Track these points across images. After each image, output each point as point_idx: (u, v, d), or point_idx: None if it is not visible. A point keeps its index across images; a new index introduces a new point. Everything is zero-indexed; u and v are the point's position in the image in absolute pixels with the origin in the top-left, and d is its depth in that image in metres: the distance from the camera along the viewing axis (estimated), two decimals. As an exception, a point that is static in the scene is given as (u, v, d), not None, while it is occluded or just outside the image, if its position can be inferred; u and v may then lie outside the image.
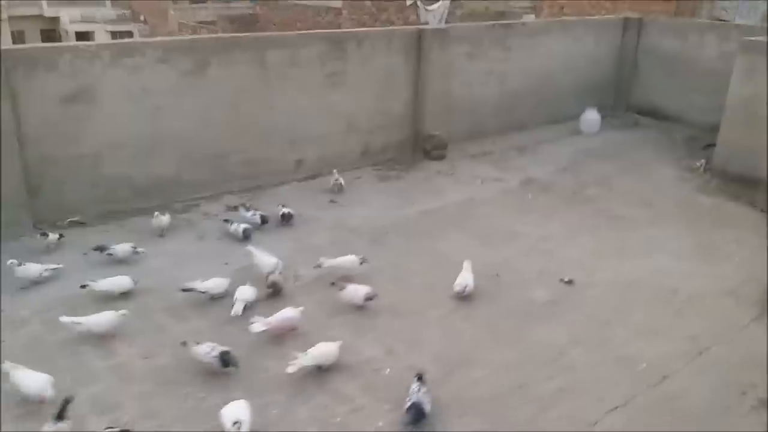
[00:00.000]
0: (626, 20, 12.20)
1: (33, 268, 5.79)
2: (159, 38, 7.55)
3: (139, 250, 6.26)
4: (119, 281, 5.60)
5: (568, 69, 11.56)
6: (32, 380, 4.19)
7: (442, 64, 9.46)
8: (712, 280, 6.10)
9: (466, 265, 5.73)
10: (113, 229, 6.93)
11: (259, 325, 4.92)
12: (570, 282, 5.98)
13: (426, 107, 9.53)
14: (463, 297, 5.60)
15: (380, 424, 4.17)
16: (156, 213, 6.86)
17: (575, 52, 11.62)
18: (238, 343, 4.84)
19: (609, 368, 4.79)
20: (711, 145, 10.48)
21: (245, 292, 5.50)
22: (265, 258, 5.98)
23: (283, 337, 5.01)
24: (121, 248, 6.19)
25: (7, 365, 4.27)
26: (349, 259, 5.94)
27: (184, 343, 4.63)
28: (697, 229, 7.28)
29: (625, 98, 12.42)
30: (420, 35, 9.29)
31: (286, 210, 7.20)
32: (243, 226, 6.76)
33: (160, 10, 39.02)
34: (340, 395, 4.46)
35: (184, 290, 5.52)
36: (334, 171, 8.31)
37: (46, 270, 5.82)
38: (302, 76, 8.33)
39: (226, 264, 6.27)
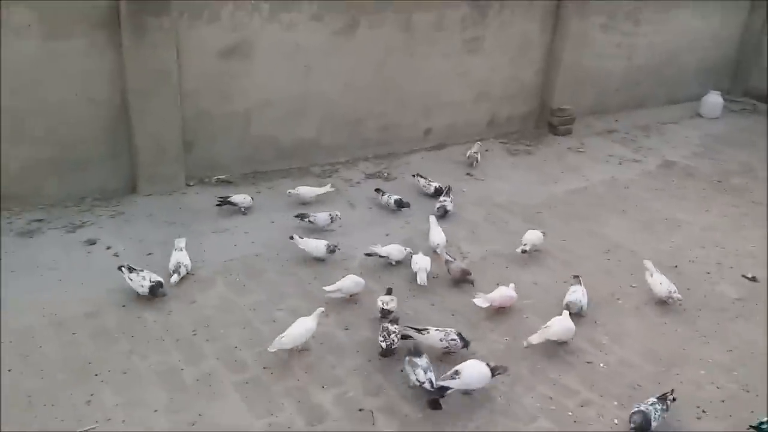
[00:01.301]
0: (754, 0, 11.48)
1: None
2: None
3: (335, 215, 6.11)
4: (318, 246, 5.49)
5: (692, 48, 10.96)
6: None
7: (577, 35, 9.00)
8: None
9: (650, 266, 5.34)
10: (264, 192, 6.76)
11: (482, 301, 4.87)
12: (754, 279, 5.68)
13: (557, 79, 9.12)
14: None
15: (615, 422, 3.97)
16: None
17: (701, 30, 10.99)
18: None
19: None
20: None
21: (424, 262, 5.32)
22: (436, 233, 5.77)
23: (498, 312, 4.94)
24: (322, 217, 6.04)
25: None
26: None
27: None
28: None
29: (744, 82, 11.79)
30: (559, 2, 8.82)
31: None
32: (395, 197, 6.50)
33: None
34: (562, 387, 4.26)
35: (367, 254, 5.49)
36: (476, 143, 8.00)
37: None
38: (444, 40, 7.98)
39: (387, 235, 6.08)
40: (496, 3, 8.29)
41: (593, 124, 9.67)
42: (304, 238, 5.53)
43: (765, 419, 3.82)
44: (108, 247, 5.52)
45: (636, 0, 9.75)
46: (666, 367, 4.53)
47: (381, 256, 5.51)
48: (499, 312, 4.97)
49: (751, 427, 3.84)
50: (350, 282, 4.96)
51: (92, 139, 6.12)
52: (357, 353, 4.45)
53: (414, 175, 7.19)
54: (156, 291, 4.74)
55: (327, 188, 6.66)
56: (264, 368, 4.24)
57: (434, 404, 3.88)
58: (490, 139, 8.90)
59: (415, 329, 4.37)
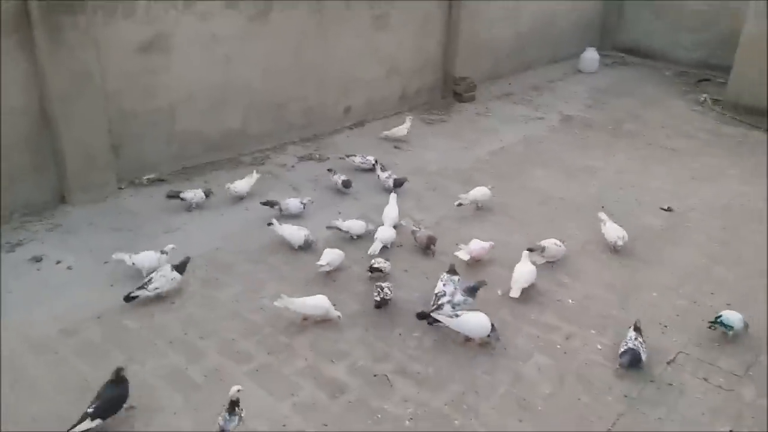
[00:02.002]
0: (614, -39, 12.61)
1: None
2: None
3: (305, 201, 6.11)
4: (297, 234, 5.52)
5: (567, 10, 11.89)
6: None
7: (471, 6, 9.47)
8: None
9: (604, 216, 5.79)
10: (199, 185, 6.60)
11: (463, 253, 5.31)
12: (669, 209, 6.42)
13: (457, 49, 9.57)
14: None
15: (599, 347, 4.44)
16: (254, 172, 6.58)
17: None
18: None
19: (755, 282, 5.30)
20: (704, 80, 11.36)
21: (386, 234, 5.55)
22: (393, 207, 5.96)
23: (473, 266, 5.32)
24: (293, 203, 6.04)
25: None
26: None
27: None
28: (740, 156, 7.94)
29: (611, 38, 12.95)
30: (452, -25, 9.23)
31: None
32: (343, 177, 6.62)
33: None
34: (543, 325, 4.67)
35: (329, 227, 5.68)
36: (408, 119, 8.18)
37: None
38: (354, 19, 8.13)
39: (340, 213, 6.20)
40: (398, -21, 8.52)
41: (491, 89, 10.26)
42: (283, 224, 5.52)
43: (720, 313, 4.43)
44: (58, 262, 5.20)
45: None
46: (624, 295, 5.07)
47: (342, 231, 5.64)
48: (473, 266, 5.29)
49: (710, 322, 4.45)
50: (335, 255, 5.12)
51: (12, 151, 5.66)
52: (354, 326, 4.58)
53: (343, 157, 7.26)
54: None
55: (255, 176, 6.51)
56: (269, 354, 4.27)
57: (422, 316, 4.35)
58: (404, 111, 9.20)
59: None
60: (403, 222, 5.81)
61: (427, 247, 5.49)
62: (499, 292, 4.95)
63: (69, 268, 5.13)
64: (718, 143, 8.38)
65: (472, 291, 4.55)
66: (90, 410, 3.47)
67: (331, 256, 5.09)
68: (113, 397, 3.59)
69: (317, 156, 7.58)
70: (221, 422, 3.40)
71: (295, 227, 5.53)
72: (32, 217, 5.81)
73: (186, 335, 4.43)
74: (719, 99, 10.19)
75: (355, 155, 7.20)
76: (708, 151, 8.10)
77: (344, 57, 8.15)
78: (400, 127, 8.02)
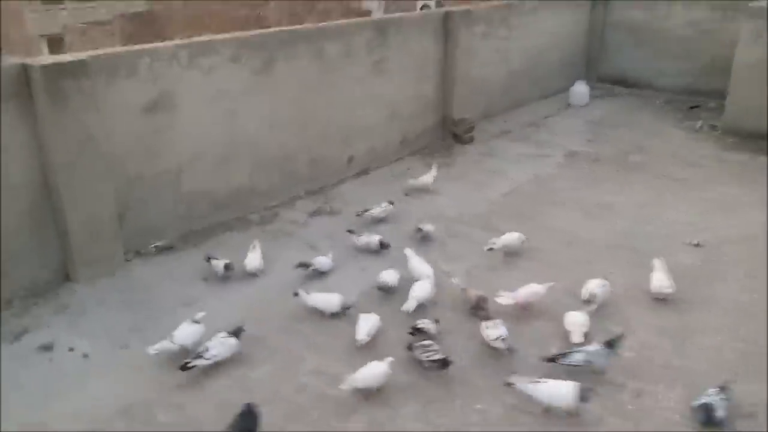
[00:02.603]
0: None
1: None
2: (231, 35, 6.81)
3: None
4: (331, 300, 5.16)
5: (553, 45, 11.97)
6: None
7: (465, 46, 9.40)
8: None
9: (659, 265, 5.49)
10: (209, 250, 6.23)
11: (506, 299, 4.96)
12: (699, 245, 6.22)
13: (454, 90, 9.45)
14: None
15: (672, 404, 4.15)
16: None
17: (559, 29, 12.05)
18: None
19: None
20: (695, 107, 11.43)
21: (423, 290, 5.23)
22: (418, 263, 5.64)
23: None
24: (324, 261, 5.80)
25: None
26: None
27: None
28: (751, 182, 7.84)
29: (595, 69, 13.05)
30: (446, 17, 9.16)
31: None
32: (378, 237, 6.18)
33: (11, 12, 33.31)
34: (607, 382, 4.38)
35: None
36: (433, 166, 8.00)
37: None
38: (354, 66, 7.95)
39: (363, 270, 5.87)
40: (393, 25, 8.40)
41: (487, 128, 10.12)
42: (312, 293, 5.16)
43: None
44: (71, 349, 4.75)
45: (504, 8, 10.43)
46: (680, 341, 4.81)
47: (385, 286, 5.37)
48: (518, 315, 5.01)
49: None
50: (372, 322, 4.79)
51: (11, 231, 5.23)
52: (407, 399, 4.23)
53: (360, 213, 6.89)
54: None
55: (258, 247, 6.03)
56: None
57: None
58: (405, 157, 9.00)
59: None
60: (454, 280, 5.42)
61: (477, 308, 5.12)
62: (554, 350, 4.64)
63: (85, 355, 4.67)
64: (726, 171, 8.31)
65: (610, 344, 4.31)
66: None
67: (368, 325, 4.72)
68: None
69: (328, 209, 7.27)
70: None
71: (327, 294, 5.17)
72: (36, 299, 5.34)
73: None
74: (715, 125, 10.22)
75: (371, 208, 6.88)
76: (718, 179, 8.01)
77: (346, 105, 7.94)
78: (426, 175, 7.79)
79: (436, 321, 4.81)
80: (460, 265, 5.92)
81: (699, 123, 10.47)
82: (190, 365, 4.29)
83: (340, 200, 7.53)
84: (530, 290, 5.09)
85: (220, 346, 4.38)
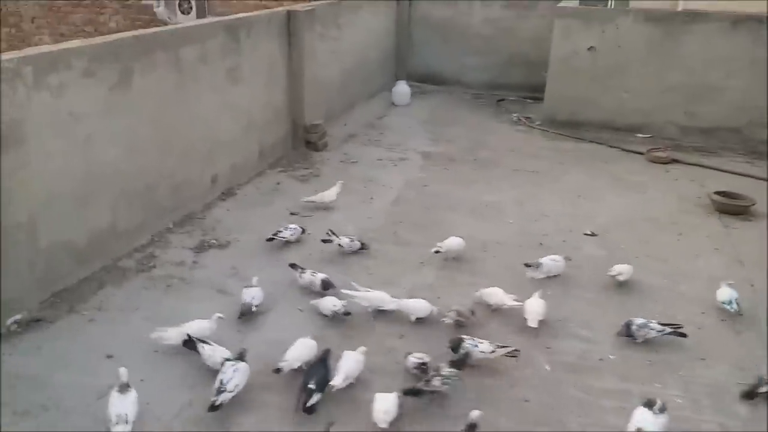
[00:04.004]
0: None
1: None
2: (82, 43, 5.35)
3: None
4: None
5: (373, 44, 12.01)
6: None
7: (310, 48, 8.90)
8: (665, 200, 7.62)
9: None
10: (98, 315, 4.97)
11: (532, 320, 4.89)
12: (594, 234, 6.67)
13: (304, 95, 8.91)
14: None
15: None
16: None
17: (376, 26, 12.10)
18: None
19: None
20: (501, 100, 12.40)
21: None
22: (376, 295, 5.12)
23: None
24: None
25: None
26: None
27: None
28: (591, 168, 8.69)
29: (404, 67, 13.39)
30: (290, 17, 8.54)
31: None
32: (321, 275, 5.35)
33: None
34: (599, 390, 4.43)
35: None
36: (338, 183, 7.28)
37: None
38: (210, 74, 6.99)
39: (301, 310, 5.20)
40: (244, 26, 7.56)
41: (332, 133, 9.72)
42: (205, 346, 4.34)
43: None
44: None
45: (335, 6, 10.11)
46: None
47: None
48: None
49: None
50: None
51: None
52: None
53: (328, 238, 6.11)
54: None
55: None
56: None
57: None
58: (265, 171, 8.25)
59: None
60: (446, 318, 4.93)
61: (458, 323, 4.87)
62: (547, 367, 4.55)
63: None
64: (565, 160, 9.06)
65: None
66: (312, 386, 3.91)
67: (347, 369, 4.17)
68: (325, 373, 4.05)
69: (214, 242, 6.28)
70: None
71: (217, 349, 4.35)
72: None
73: None
74: (529, 116, 11.16)
75: (338, 237, 6.06)
76: (562, 168, 8.68)
77: (205, 118, 6.95)
78: (329, 192, 7.13)
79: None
80: (399, 288, 5.48)
81: (515, 116, 11.31)
82: (218, 404, 3.85)
83: (220, 229, 6.58)
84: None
85: (237, 372, 3.99)
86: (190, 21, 14.70)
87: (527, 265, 5.59)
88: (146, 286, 5.43)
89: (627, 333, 4.75)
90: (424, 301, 5.04)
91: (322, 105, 9.54)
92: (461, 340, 4.44)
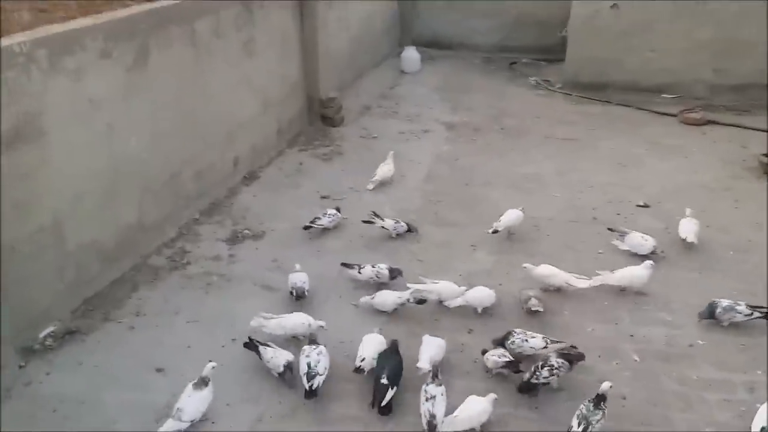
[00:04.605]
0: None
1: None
2: (95, 19, 4.78)
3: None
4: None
5: (377, 11, 11.40)
6: None
7: (322, 18, 8.33)
8: (710, 165, 7.26)
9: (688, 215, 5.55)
10: (138, 322, 4.55)
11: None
12: (646, 205, 6.29)
13: (318, 68, 8.37)
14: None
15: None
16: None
17: (382, -9, 11.48)
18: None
19: None
20: (514, 63, 11.88)
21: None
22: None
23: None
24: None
25: None
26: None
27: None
28: (628, 133, 8.26)
29: (410, 34, 12.77)
30: (298, -17, 7.95)
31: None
32: (384, 266, 4.94)
33: None
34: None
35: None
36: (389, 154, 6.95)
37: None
38: (226, 48, 6.45)
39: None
40: (257, -5, 6.98)
41: (346, 105, 9.20)
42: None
43: None
44: None
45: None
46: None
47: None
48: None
49: None
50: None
51: None
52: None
53: (370, 219, 5.69)
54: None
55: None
56: None
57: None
58: (285, 150, 7.78)
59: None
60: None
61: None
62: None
63: None
64: (597, 124, 8.64)
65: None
66: (384, 380, 3.67)
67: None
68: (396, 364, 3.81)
69: (248, 232, 5.84)
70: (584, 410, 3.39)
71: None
72: None
73: None
74: (548, 80, 10.70)
75: (382, 219, 5.66)
76: (595, 134, 8.28)
77: (223, 96, 6.45)
78: (386, 166, 6.79)
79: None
80: (451, 274, 5.09)
81: (532, 80, 10.83)
82: (314, 388, 3.73)
83: (250, 217, 6.15)
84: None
85: (322, 356, 3.87)
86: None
87: (611, 230, 5.48)
88: (184, 286, 5.00)
89: (710, 315, 4.42)
90: (488, 289, 4.66)
91: (334, 77, 9.00)
92: (508, 335, 4.11)
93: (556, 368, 3.73)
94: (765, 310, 4.39)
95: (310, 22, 8.10)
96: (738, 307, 4.36)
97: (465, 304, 4.56)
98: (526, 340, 4.08)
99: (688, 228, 5.39)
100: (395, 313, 4.61)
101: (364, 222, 5.68)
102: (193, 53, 5.86)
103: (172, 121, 5.63)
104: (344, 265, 5.00)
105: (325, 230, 5.80)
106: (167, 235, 5.65)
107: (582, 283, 4.76)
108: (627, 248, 5.28)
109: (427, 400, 3.55)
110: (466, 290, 4.63)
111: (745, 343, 4.30)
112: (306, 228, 5.73)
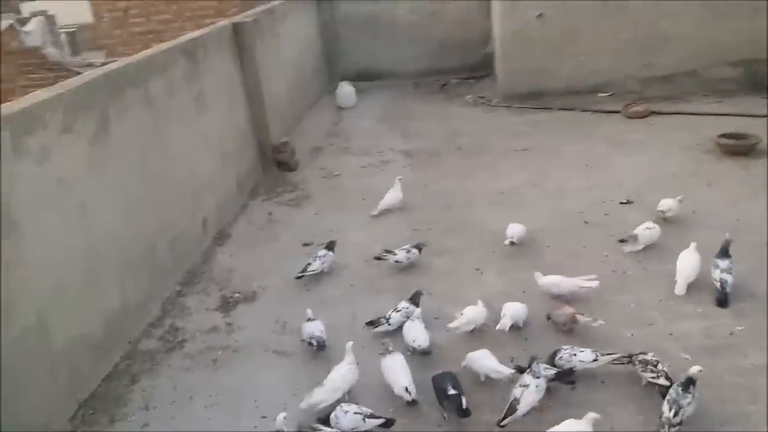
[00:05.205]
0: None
1: None
2: (49, 92, 4.28)
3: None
4: None
5: (306, 49, 11.28)
6: None
7: (262, 61, 8.09)
8: (672, 153, 7.46)
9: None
10: (142, 420, 4.08)
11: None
12: (629, 201, 6.34)
13: (266, 113, 8.10)
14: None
15: None
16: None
17: (306, 31, 11.38)
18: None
19: None
20: (445, 84, 12.03)
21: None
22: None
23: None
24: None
25: None
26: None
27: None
28: (582, 134, 8.40)
29: (336, 68, 12.69)
30: (237, 30, 7.68)
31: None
32: (405, 305, 4.70)
33: None
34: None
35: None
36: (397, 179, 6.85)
37: None
38: (180, 106, 6.09)
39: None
40: (200, 47, 6.66)
41: (296, 148, 8.93)
42: None
43: None
44: None
45: (272, 13, 9.29)
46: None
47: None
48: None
49: None
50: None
51: None
52: None
53: (382, 256, 5.52)
54: None
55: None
56: None
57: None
58: (248, 203, 7.41)
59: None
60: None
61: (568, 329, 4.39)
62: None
63: None
64: (547, 131, 8.76)
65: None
66: (453, 391, 3.66)
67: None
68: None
69: (238, 296, 5.43)
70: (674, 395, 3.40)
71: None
72: None
73: None
74: (483, 96, 10.85)
75: (394, 254, 5.49)
76: (552, 141, 8.34)
77: (183, 155, 6.06)
78: (394, 192, 6.71)
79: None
80: (466, 302, 4.85)
81: (469, 98, 10.96)
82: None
83: (236, 279, 5.75)
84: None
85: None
86: (76, 59, 13.68)
87: (622, 241, 5.35)
88: (187, 367, 4.54)
89: (723, 300, 4.46)
90: (519, 303, 4.51)
91: (280, 121, 8.72)
92: (556, 352, 4.01)
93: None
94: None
95: (252, 69, 7.83)
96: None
97: (512, 322, 4.36)
98: (575, 354, 3.94)
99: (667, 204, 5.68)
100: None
101: (377, 259, 5.49)
102: (150, 115, 5.46)
103: (140, 189, 5.18)
104: (370, 324, 4.67)
105: (321, 276, 5.47)
106: (152, 314, 5.16)
107: (592, 283, 4.68)
108: (642, 245, 5.24)
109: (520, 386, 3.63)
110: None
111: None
112: (299, 277, 5.40)
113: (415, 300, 4.69)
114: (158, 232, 5.41)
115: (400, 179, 6.79)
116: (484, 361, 3.97)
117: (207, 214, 6.41)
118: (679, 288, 4.68)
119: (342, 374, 3.89)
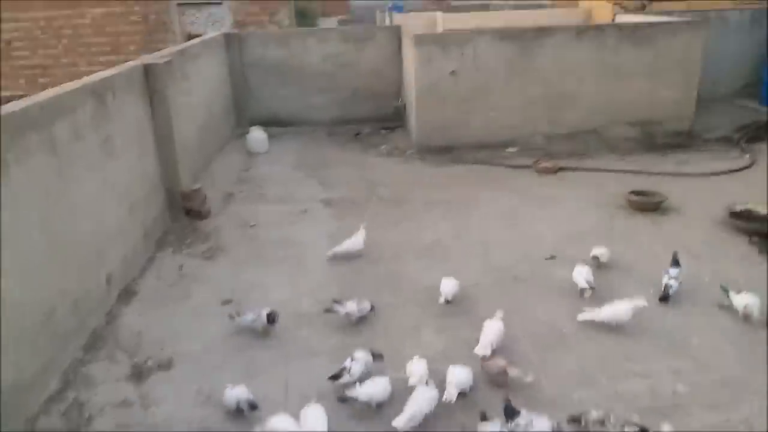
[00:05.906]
0: (227, 36, 12.05)
1: None
2: None
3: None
4: None
5: (215, 93, 10.91)
6: None
7: (175, 104, 7.65)
8: (586, 209, 7.61)
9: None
10: None
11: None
12: (553, 257, 6.42)
13: (177, 158, 7.62)
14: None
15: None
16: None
17: (216, 73, 11.00)
18: None
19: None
20: (358, 134, 12.02)
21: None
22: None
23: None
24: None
25: None
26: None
27: None
28: (497, 188, 8.54)
29: (245, 114, 12.35)
30: (148, 72, 7.22)
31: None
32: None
33: None
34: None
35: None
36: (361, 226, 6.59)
37: None
38: (86, 151, 5.55)
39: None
40: (109, 88, 6.17)
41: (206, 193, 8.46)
42: None
43: None
44: None
45: (181, 54, 8.87)
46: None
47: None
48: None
49: None
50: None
51: None
52: None
53: (330, 308, 5.30)
54: None
55: None
56: None
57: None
58: (156, 255, 6.84)
59: None
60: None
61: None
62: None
63: None
64: (463, 184, 8.82)
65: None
66: None
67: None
68: None
69: (151, 364, 4.88)
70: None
71: None
72: None
73: None
74: (398, 147, 10.90)
75: (342, 305, 5.26)
76: (469, 194, 8.36)
77: (88, 206, 5.49)
78: (355, 239, 6.49)
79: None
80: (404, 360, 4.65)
81: (383, 148, 10.97)
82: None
83: (146, 344, 5.18)
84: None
85: None
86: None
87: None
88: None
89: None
90: (462, 370, 4.36)
91: (189, 165, 8.24)
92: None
93: None
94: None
95: (164, 112, 7.37)
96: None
97: (458, 391, 4.17)
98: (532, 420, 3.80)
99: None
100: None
101: (326, 311, 5.22)
102: (54, 163, 4.90)
103: (40, 247, 4.58)
104: (341, 399, 4.29)
105: (247, 336, 5.05)
106: (50, 387, 4.50)
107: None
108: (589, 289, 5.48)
109: None
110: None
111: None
112: (231, 317, 5.01)
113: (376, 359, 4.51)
114: (58, 294, 4.79)
115: (365, 226, 6.61)
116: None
117: (112, 269, 5.81)
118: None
119: None
